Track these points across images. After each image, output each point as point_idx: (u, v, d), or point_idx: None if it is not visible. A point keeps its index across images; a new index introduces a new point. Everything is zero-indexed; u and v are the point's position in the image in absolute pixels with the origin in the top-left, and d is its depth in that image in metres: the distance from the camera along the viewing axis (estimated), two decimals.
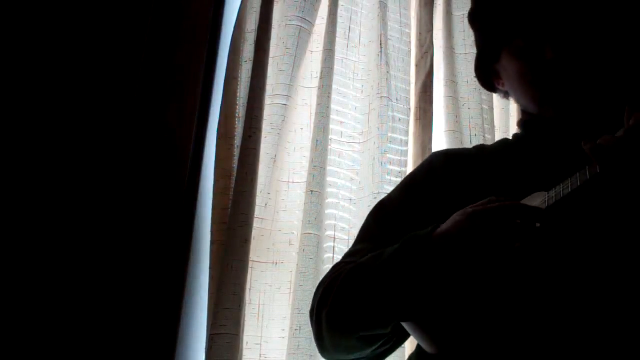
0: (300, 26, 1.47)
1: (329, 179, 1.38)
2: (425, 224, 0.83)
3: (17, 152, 1.26)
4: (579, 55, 0.84)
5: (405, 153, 1.42)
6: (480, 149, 0.99)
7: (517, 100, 0.96)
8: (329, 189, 1.38)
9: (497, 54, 0.93)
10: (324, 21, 1.48)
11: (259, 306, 1.28)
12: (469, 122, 1.52)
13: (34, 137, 1.28)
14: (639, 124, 0.68)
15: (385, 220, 0.89)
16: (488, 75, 0.99)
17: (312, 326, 0.83)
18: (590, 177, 0.68)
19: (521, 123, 0.97)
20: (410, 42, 1.56)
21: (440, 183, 0.89)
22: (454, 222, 0.71)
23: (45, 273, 1.20)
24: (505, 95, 1.00)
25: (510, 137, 1.00)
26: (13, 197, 1.23)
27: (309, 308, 0.84)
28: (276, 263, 1.31)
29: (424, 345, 0.74)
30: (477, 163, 0.90)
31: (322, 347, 0.82)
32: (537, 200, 0.74)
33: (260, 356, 1.25)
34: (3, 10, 1.33)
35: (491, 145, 1.01)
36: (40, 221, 1.23)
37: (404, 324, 0.74)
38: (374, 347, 0.78)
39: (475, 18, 1.00)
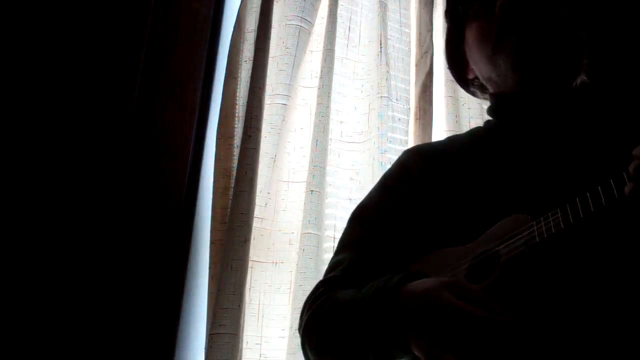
0: (300, 26, 1.47)
1: (329, 179, 1.38)
2: (404, 229, 0.83)
3: (13, 153, 1.26)
4: (536, 5, 0.82)
5: None
6: (452, 140, 0.97)
7: (480, 73, 0.93)
8: (329, 189, 1.38)
9: (462, 32, 0.92)
10: (324, 21, 1.48)
11: (259, 306, 1.28)
12: (469, 122, 1.52)
13: (32, 138, 1.27)
14: None
15: (364, 229, 0.88)
16: (461, 68, 0.98)
17: (300, 340, 0.84)
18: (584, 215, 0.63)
19: (491, 109, 0.94)
20: (410, 42, 1.56)
21: (415, 183, 0.88)
22: (425, 301, 0.66)
23: (45, 272, 1.20)
24: (480, 88, 0.98)
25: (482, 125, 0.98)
26: (12, 198, 1.23)
27: None
28: (276, 263, 1.31)
29: None
30: (450, 157, 0.88)
31: None
32: (521, 228, 0.70)
33: (260, 356, 1.24)
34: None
35: (463, 135, 0.98)
36: (40, 220, 1.22)
37: None
38: None
39: (447, 9, 1.00)
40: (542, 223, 0.67)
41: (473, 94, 1.02)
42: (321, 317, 0.79)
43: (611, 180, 0.62)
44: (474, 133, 0.97)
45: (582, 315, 0.68)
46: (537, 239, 0.67)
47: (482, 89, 0.98)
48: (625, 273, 0.70)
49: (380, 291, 0.72)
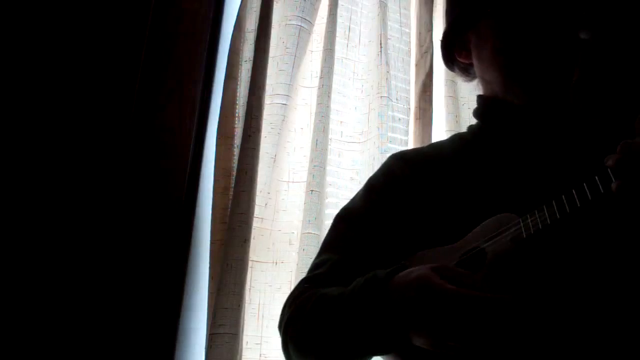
0: (300, 26, 1.47)
1: (329, 179, 1.38)
2: (389, 232, 0.83)
3: (13, 152, 1.26)
4: (562, 39, 0.82)
5: None
6: (437, 147, 0.97)
7: (482, 74, 0.92)
8: (329, 189, 1.38)
9: (475, 20, 0.89)
10: (324, 21, 1.48)
11: (259, 306, 1.28)
12: (469, 122, 1.51)
13: (33, 138, 1.27)
14: None
15: (349, 229, 0.88)
16: (453, 45, 0.95)
17: (280, 338, 0.83)
18: (571, 210, 0.63)
19: (479, 112, 0.93)
20: (410, 42, 1.56)
21: (401, 188, 0.88)
22: (414, 287, 0.66)
23: (45, 272, 1.20)
24: (463, 71, 0.97)
25: (466, 130, 0.97)
26: (12, 197, 1.23)
27: None
28: (276, 263, 1.31)
29: None
30: (436, 163, 0.88)
31: None
32: (508, 225, 0.70)
33: (260, 356, 1.24)
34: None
35: (447, 141, 0.98)
36: (40, 220, 1.23)
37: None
38: None
39: None
40: (529, 220, 0.68)
41: (453, 70, 1.01)
42: (306, 312, 0.79)
43: (596, 177, 0.63)
44: (458, 137, 0.97)
45: (569, 310, 0.69)
46: (524, 235, 0.67)
47: (465, 72, 0.97)
48: (614, 268, 0.70)
49: (370, 283, 0.71)
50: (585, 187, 0.64)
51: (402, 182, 0.88)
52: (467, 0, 0.91)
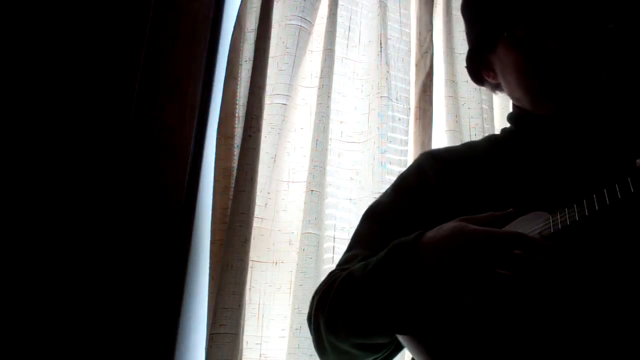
0: (300, 26, 1.47)
1: (329, 179, 1.38)
2: (420, 227, 0.83)
3: (12, 152, 1.26)
4: (584, 50, 0.81)
5: (405, 153, 1.43)
6: (469, 146, 0.97)
7: (511, 93, 0.92)
8: (329, 189, 1.38)
9: (493, 43, 0.89)
10: (324, 21, 1.48)
11: (259, 306, 1.28)
12: (469, 122, 1.52)
13: (32, 138, 1.27)
14: None
15: (379, 226, 0.88)
16: (478, 67, 0.96)
17: (310, 333, 0.83)
18: (600, 208, 0.64)
19: (512, 117, 0.94)
20: (410, 42, 1.56)
21: (431, 186, 0.88)
22: (448, 236, 0.68)
23: (45, 272, 1.20)
24: (494, 88, 0.97)
25: (499, 132, 0.98)
26: (11, 197, 1.23)
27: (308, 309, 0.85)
28: (276, 263, 1.31)
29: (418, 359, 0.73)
30: (467, 163, 0.89)
31: (324, 354, 0.81)
32: (537, 221, 0.71)
33: (260, 356, 1.25)
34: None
35: (479, 142, 0.98)
36: (39, 220, 1.23)
37: (399, 337, 0.73)
38: (377, 356, 0.78)
39: (471, 5, 0.96)
40: (558, 216, 0.68)
41: (483, 85, 1.01)
42: (334, 290, 0.78)
43: (628, 177, 0.64)
44: (491, 140, 0.97)
45: (590, 310, 0.69)
46: (552, 230, 0.68)
47: (496, 89, 0.98)
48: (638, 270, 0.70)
49: (399, 247, 0.72)
50: (616, 187, 0.64)
51: (433, 180, 0.88)
52: (484, 22, 0.90)
